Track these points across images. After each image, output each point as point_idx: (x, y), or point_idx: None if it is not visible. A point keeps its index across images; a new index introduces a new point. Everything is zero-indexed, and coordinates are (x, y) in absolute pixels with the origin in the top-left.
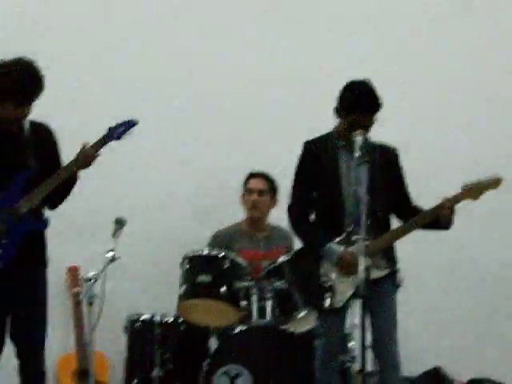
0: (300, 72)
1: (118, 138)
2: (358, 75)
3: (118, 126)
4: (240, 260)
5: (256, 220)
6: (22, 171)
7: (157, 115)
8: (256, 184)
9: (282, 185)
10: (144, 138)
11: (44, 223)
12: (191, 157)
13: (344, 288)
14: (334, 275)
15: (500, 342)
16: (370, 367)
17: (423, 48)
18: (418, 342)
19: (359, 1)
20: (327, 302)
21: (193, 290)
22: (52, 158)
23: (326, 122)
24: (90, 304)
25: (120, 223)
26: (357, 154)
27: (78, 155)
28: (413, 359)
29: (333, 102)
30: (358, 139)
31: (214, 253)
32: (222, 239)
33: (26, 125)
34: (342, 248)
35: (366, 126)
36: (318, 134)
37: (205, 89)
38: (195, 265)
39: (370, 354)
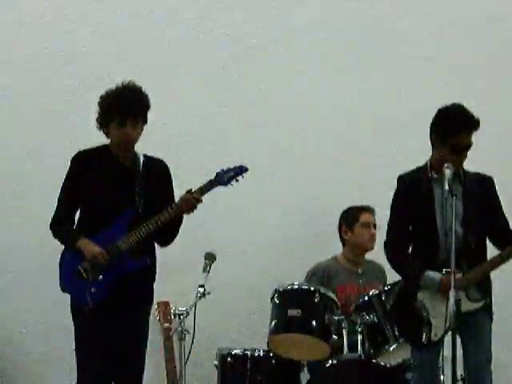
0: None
1: (226, 184)
2: None
3: (228, 171)
4: (330, 294)
5: (362, 253)
6: (128, 209)
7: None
8: (370, 218)
9: None
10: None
11: (142, 263)
12: (281, 190)
13: (439, 322)
14: (430, 307)
15: None
16: None
17: None
18: (507, 374)
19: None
20: (424, 337)
21: (283, 324)
22: (163, 196)
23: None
24: (181, 339)
25: (210, 258)
26: (446, 186)
27: (183, 199)
28: None
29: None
30: (447, 172)
31: (305, 287)
32: (321, 274)
33: (141, 160)
34: (439, 274)
35: (469, 146)
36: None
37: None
38: (286, 299)
39: None
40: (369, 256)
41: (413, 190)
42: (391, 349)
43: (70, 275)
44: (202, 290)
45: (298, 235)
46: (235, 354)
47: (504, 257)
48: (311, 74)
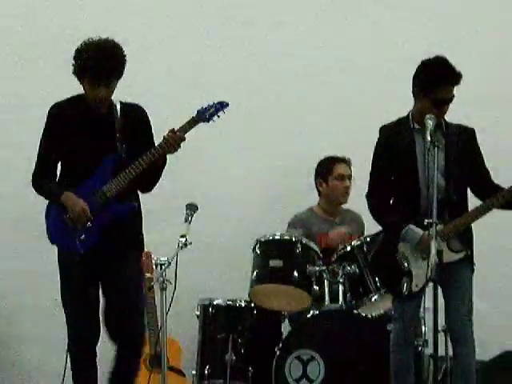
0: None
1: (208, 120)
2: None
3: (208, 107)
4: (312, 244)
5: (338, 204)
6: (110, 155)
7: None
8: (345, 170)
9: None
10: (216, 123)
11: (130, 207)
12: (263, 143)
13: (420, 272)
14: (411, 258)
15: None
16: (442, 351)
17: None
18: (490, 326)
19: None
20: (405, 287)
21: (265, 274)
22: (143, 140)
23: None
24: (163, 289)
25: (192, 209)
26: (428, 137)
27: (166, 139)
28: (485, 343)
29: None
30: (429, 123)
31: (286, 237)
32: (300, 224)
33: (117, 106)
34: (421, 230)
35: (450, 99)
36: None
37: (273, 77)
38: (267, 249)
39: (442, 338)
40: (347, 205)
41: (394, 141)
42: (373, 300)
43: (57, 226)
44: (183, 240)
45: (279, 186)
46: (217, 305)
47: (485, 208)
48: (297, 23)
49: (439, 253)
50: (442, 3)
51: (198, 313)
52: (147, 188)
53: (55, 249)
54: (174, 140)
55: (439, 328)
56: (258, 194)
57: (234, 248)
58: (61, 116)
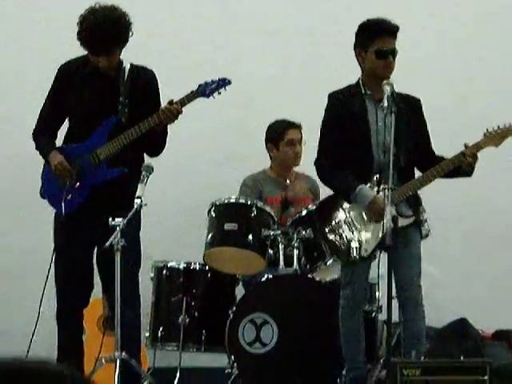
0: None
1: (209, 95)
2: None
3: (210, 83)
4: (267, 208)
5: (289, 168)
6: (110, 118)
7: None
8: (297, 134)
9: None
10: (176, 86)
11: (118, 172)
12: (216, 107)
13: (370, 237)
14: (361, 222)
15: None
16: (395, 317)
17: None
18: (443, 293)
19: None
20: (354, 252)
21: (219, 237)
22: (148, 105)
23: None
24: (117, 250)
25: (147, 170)
26: (385, 103)
27: (162, 110)
28: (438, 310)
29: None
30: (387, 88)
31: (242, 201)
32: (251, 186)
33: (126, 68)
34: (373, 192)
35: (392, 51)
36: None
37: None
38: (222, 212)
39: (396, 305)
40: (301, 168)
41: (345, 107)
42: (327, 264)
43: (49, 183)
44: (138, 201)
45: (234, 148)
46: (171, 267)
47: (432, 175)
48: None
49: (394, 218)
50: None
51: (152, 275)
52: (151, 154)
53: None
54: (170, 111)
55: (393, 294)
56: (213, 156)
57: (189, 210)
58: (69, 75)
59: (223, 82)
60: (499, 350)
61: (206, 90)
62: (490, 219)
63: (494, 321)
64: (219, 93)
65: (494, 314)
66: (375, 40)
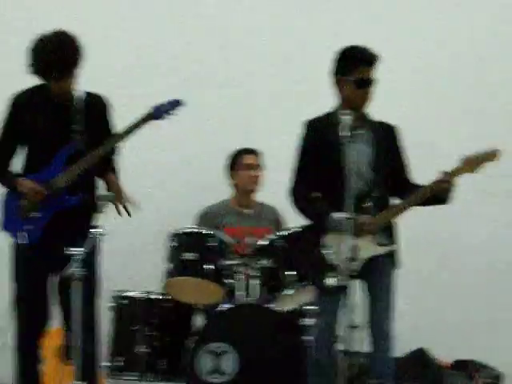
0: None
1: (162, 118)
2: None
3: (163, 105)
4: (226, 238)
5: (248, 196)
6: (66, 146)
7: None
8: (253, 159)
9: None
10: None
11: (77, 200)
12: (178, 136)
13: (344, 267)
14: (338, 250)
15: (488, 324)
16: (356, 347)
17: None
18: (403, 323)
19: None
20: (331, 282)
21: (178, 267)
22: (102, 132)
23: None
24: (76, 280)
25: (105, 198)
26: (344, 133)
27: (112, 135)
28: (398, 339)
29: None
30: (345, 118)
31: (200, 230)
32: (209, 216)
33: (81, 97)
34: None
35: (371, 81)
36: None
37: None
38: (181, 242)
39: (359, 334)
40: (262, 198)
41: (322, 135)
42: (288, 294)
43: (9, 213)
44: (97, 230)
45: (195, 178)
46: (129, 297)
47: (407, 204)
48: None
49: (355, 248)
50: None
51: (112, 304)
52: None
53: None
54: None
55: (354, 324)
56: (173, 186)
57: (149, 240)
58: (21, 104)
59: (175, 104)
60: (459, 379)
61: (158, 113)
62: (451, 252)
63: (453, 351)
64: (172, 114)
65: (453, 344)
66: (356, 69)
